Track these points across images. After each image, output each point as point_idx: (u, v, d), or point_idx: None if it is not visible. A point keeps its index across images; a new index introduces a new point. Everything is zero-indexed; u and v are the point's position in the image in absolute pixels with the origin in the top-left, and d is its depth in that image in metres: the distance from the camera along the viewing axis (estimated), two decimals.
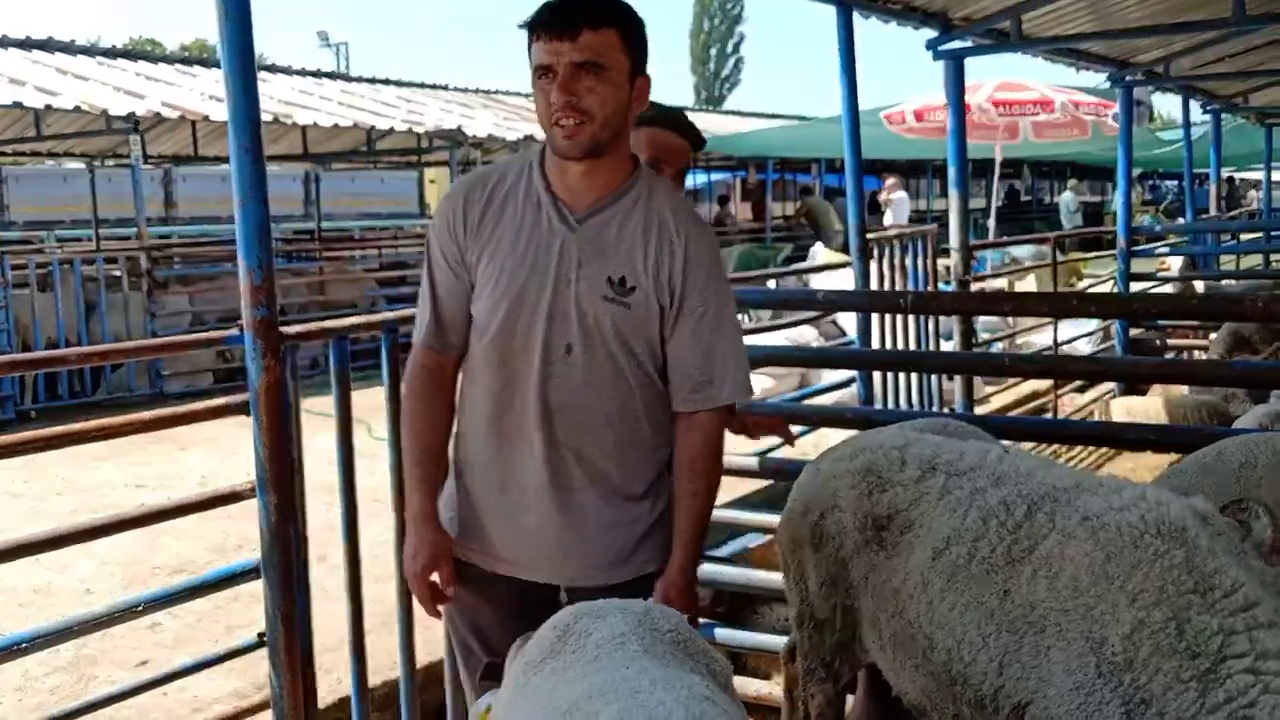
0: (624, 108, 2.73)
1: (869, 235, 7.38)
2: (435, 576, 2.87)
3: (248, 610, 5.11)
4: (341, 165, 21.03)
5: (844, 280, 7.68)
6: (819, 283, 12.28)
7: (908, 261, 8.43)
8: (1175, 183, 38.54)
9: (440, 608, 2.95)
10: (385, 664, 4.41)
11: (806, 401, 7.92)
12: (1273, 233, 15.25)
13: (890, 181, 22.21)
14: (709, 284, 2.86)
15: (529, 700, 1.97)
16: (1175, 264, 15.19)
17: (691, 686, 1.77)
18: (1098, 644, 2.52)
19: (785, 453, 5.43)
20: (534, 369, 2.79)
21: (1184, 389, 9.67)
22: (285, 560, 3.29)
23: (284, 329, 3.30)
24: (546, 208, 2.79)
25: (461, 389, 2.96)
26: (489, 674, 2.59)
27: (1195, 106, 14.83)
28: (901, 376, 8.09)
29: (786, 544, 3.46)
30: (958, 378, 7.60)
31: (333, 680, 4.37)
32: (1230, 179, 32.16)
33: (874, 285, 7.48)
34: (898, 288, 8.06)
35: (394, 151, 19.02)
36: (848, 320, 10.35)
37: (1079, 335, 12.24)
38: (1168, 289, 12.98)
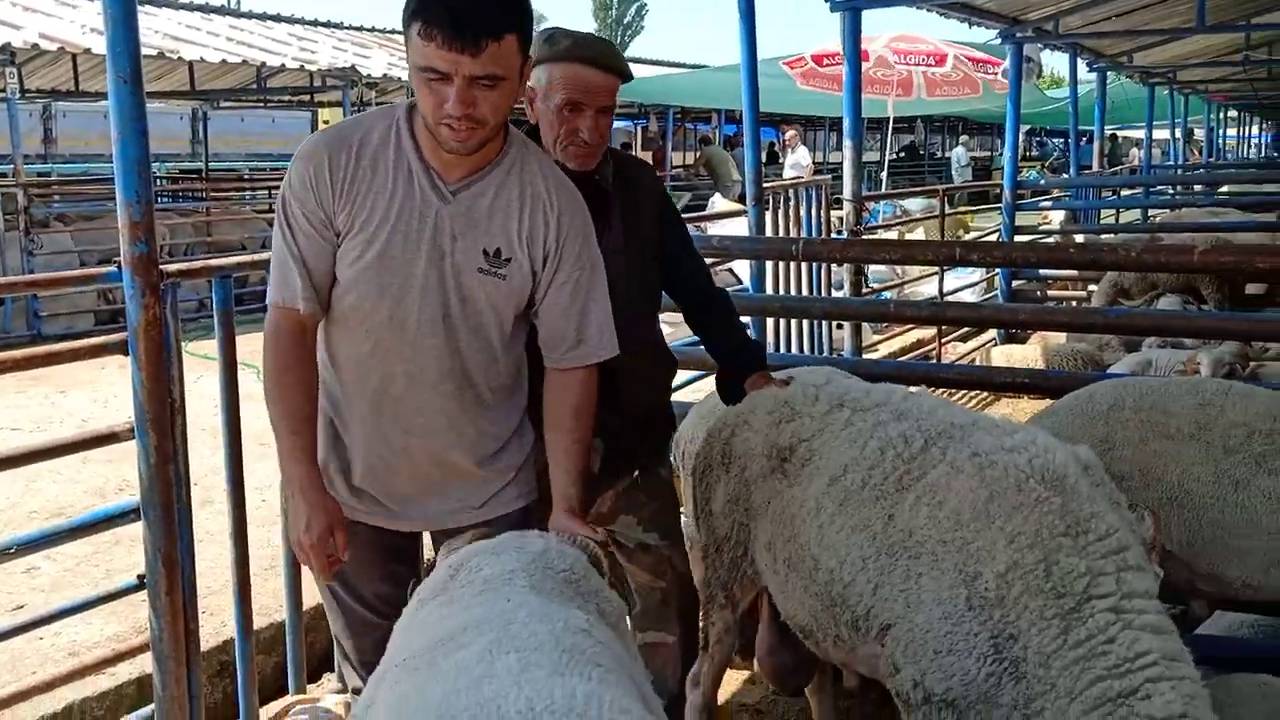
0: (513, 100, 2.71)
1: (765, 185, 7.45)
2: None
3: (129, 555, 5.02)
4: (230, 104, 20.36)
5: (740, 229, 7.74)
6: (715, 231, 12.32)
7: (802, 212, 8.56)
8: (1061, 139, 39.60)
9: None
10: (271, 606, 4.38)
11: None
12: (1151, 189, 15.83)
13: (790, 134, 22.36)
14: (583, 252, 2.90)
15: (411, 635, 1.98)
16: (1057, 218, 15.70)
17: (569, 620, 1.79)
18: (971, 578, 2.63)
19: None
20: (405, 338, 2.78)
21: (1061, 338, 10.06)
22: (166, 501, 3.22)
23: (164, 266, 3.22)
24: (418, 176, 2.74)
25: (325, 349, 2.91)
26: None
27: (1082, 64, 15.24)
28: (793, 323, 8.25)
29: (699, 470, 3.57)
30: (847, 325, 7.75)
31: (216, 624, 4.32)
32: (1113, 136, 33.18)
33: (769, 234, 7.57)
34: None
35: (285, 90, 18.50)
36: (743, 268, 10.47)
37: (964, 286, 12.60)
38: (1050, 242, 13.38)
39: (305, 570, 3.69)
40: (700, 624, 3.66)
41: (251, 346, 3.79)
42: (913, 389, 3.40)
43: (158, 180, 23.17)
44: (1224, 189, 15.93)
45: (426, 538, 3.19)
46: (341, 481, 2.93)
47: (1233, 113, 29.60)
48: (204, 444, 3.55)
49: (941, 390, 9.37)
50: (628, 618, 2.33)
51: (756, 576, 3.40)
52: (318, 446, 2.88)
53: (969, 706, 2.64)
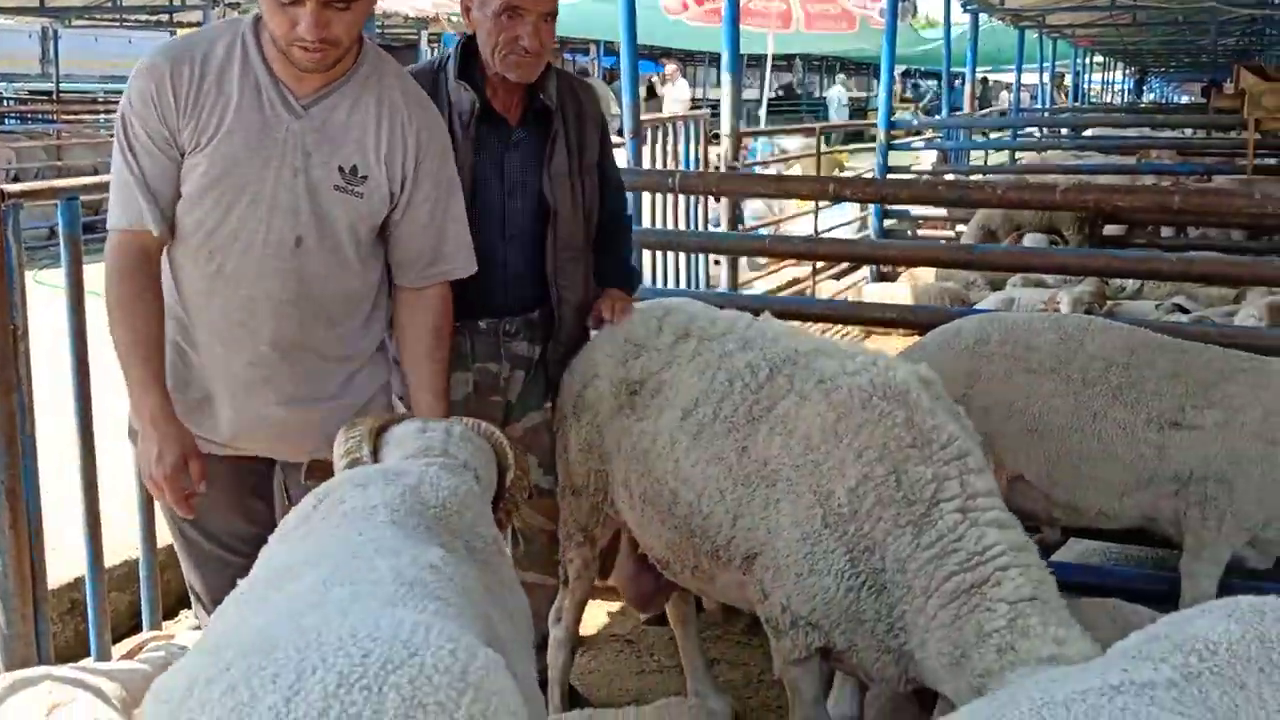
0: (367, 15, 2.62)
1: (643, 118, 7.36)
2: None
3: None
4: (83, 22, 19.16)
5: (618, 162, 7.66)
6: None
7: (680, 147, 8.51)
8: (934, 82, 40.33)
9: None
10: (128, 542, 4.20)
11: None
12: (1019, 131, 16.23)
13: (670, 68, 22.26)
14: (441, 170, 2.81)
15: (262, 566, 1.91)
16: (928, 159, 16.00)
17: (419, 557, 1.73)
18: (825, 497, 2.71)
19: None
20: (251, 259, 2.65)
21: (931, 277, 10.29)
22: (9, 433, 3.05)
23: (5, 186, 3.06)
24: (267, 90, 2.60)
25: (169, 273, 2.76)
26: (313, 473, 2.50)
27: (956, 5, 15.47)
28: (670, 258, 8.23)
29: (558, 417, 3.55)
30: (724, 261, 7.77)
31: (66, 560, 4.12)
32: (985, 79, 33.97)
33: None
34: None
35: (142, 9, 17.40)
36: None
37: (838, 225, 12.78)
38: None
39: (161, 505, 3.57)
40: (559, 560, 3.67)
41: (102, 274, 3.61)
42: (759, 316, 3.40)
43: (3, 101, 21.88)
44: (1088, 132, 16.43)
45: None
46: (191, 411, 2.79)
47: (1099, 58, 30.53)
48: (51, 373, 3.35)
49: (815, 325, 9.63)
50: (507, 552, 2.29)
51: (616, 515, 3.41)
52: (166, 375, 2.73)
53: (833, 626, 2.73)
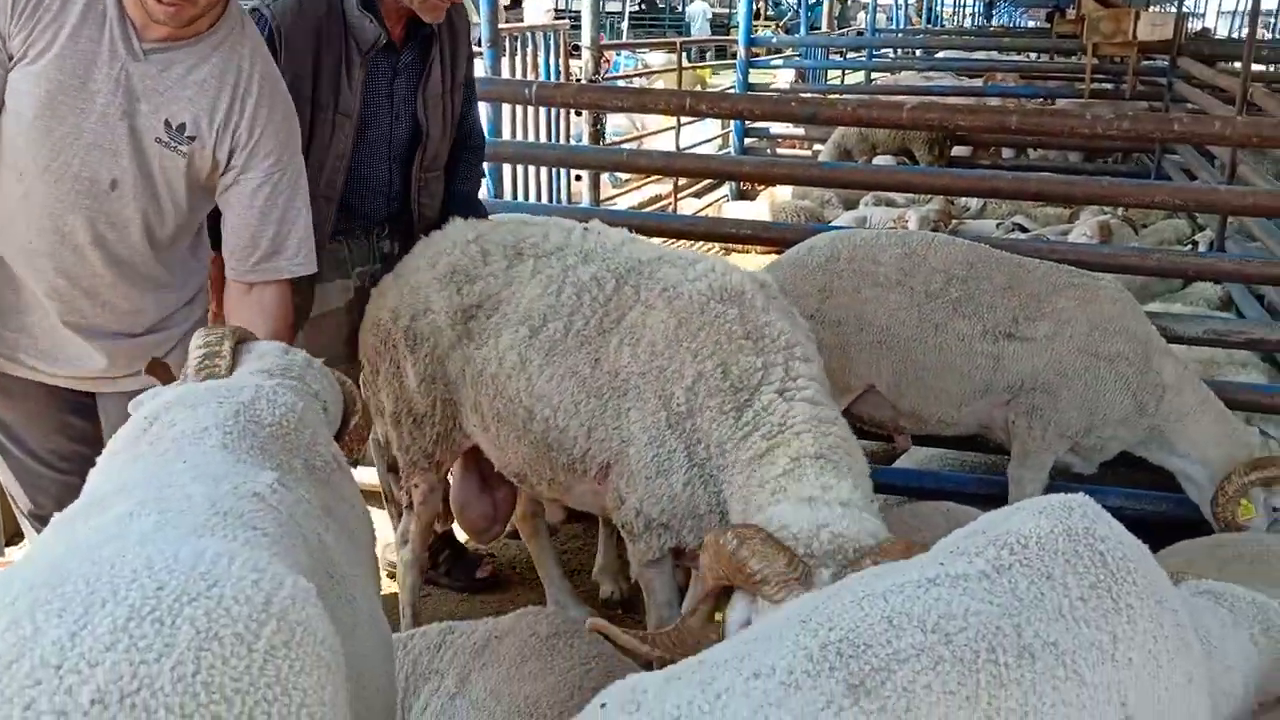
0: None
1: (501, 27, 7.20)
2: None
3: None
4: None
5: (475, 73, 7.49)
6: None
7: (540, 58, 8.37)
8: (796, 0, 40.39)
9: None
10: None
11: None
12: (875, 51, 16.47)
13: None
14: (284, 154, 2.69)
15: (85, 493, 1.83)
16: (786, 77, 16.14)
17: (242, 484, 1.65)
18: (667, 399, 2.79)
19: None
20: (59, 192, 2.52)
21: (788, 195, 10.48)
22: None
23: None
24: (112, 25, 2.46)
25: None
26: (154, 370, 2.38)
27: None
28: (531, 173, 8.14)
29: (374, 347, 3.47)
30: (585, 177, 7.73)
31: None
32: None
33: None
34: None
35: None
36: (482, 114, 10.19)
37: (700, 142, 12.84)
38: None
39: None
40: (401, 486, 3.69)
41: None
42: (589, 223, 3.41)
43: None
44: (940, 54, 16.78)
45: None
46: (7, 322, 2.69)
47: None
48: None
49: (675, 241, 9.71)
50: (349, 468, 2.26)
51: (465, 440, 3.41)
52: None
53: (680, 523, 2.83)
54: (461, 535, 4.43)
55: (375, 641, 1.77)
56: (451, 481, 3.72)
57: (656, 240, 9.66)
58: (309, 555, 1.61)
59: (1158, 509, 4.30)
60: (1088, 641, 1.58)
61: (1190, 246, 7.70)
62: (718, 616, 2.24)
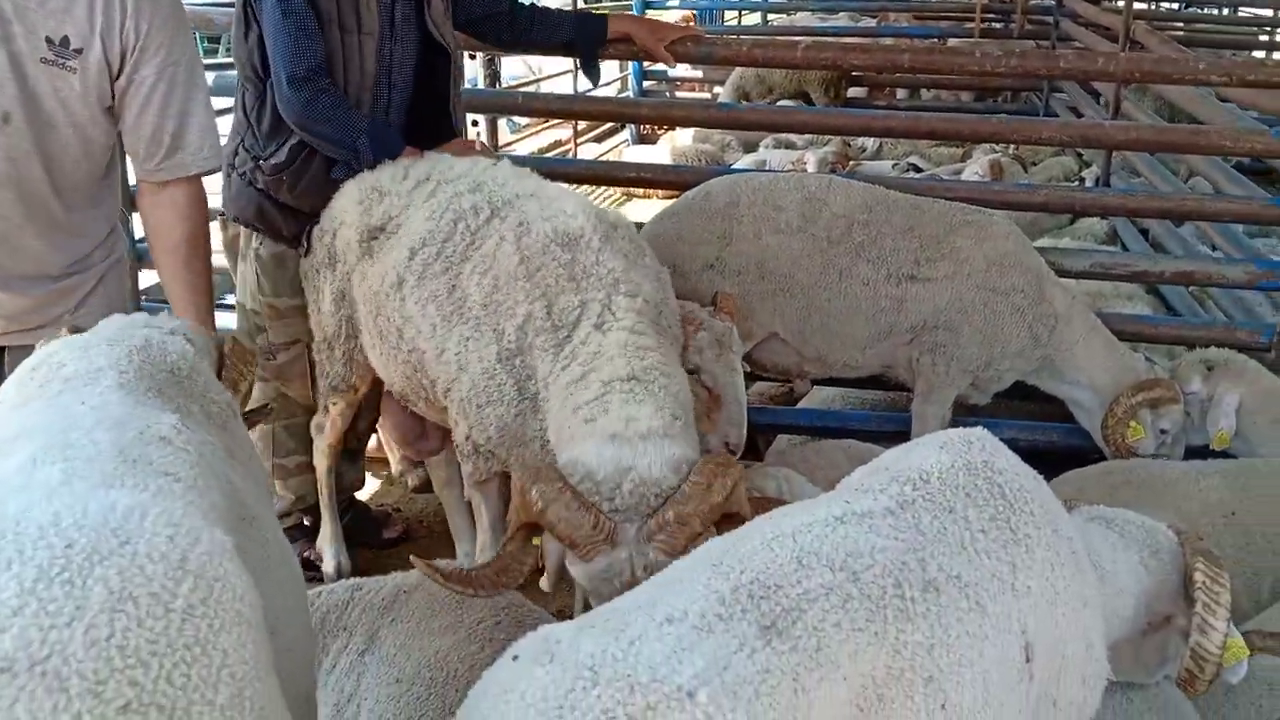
0: None
1: None
2: None
3: None
4: None
5: None
6: None
7: None
8: None
9: None
10: None
11: None
12: None
13: None
14: (175, 47, 2.60)
15: None
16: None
17: (148, 429, 1.58)
18: (500, 334, 2.83)
19: None
20: None
21: (689, 139, 10.45)
22: None
23: None
24: None
25: None
26: None
27: None
28: None
29: (308, 272, 3.51)
30: (482, 121, 7.57)
31: None
32: None
33: None
34: None
35: None
36: None
37: (598, 86, 12.69)
38: None
39: None
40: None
41: None
42: (500, 159, 3.46)
43: None
44: None
45: None
46: None
47: None
48: None
49: (575, 186, 9.65)
50: (238, 415, 2.20)
51: (365, 360, 3.44)
52: None
53: (507, 451, 2.90)
54: (370, 489, 4.39)
55: (290, 583, 1.73)
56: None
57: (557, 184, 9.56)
58: (224, 498, 1.56)
59: (1049, 439, 4.44)
60: (989, 573, 1.63)
61: (1077, 183, 7.91)
62: (536, 541, 2.29)
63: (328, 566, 3.85)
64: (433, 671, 2.48)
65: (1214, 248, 5.67)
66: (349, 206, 3.32)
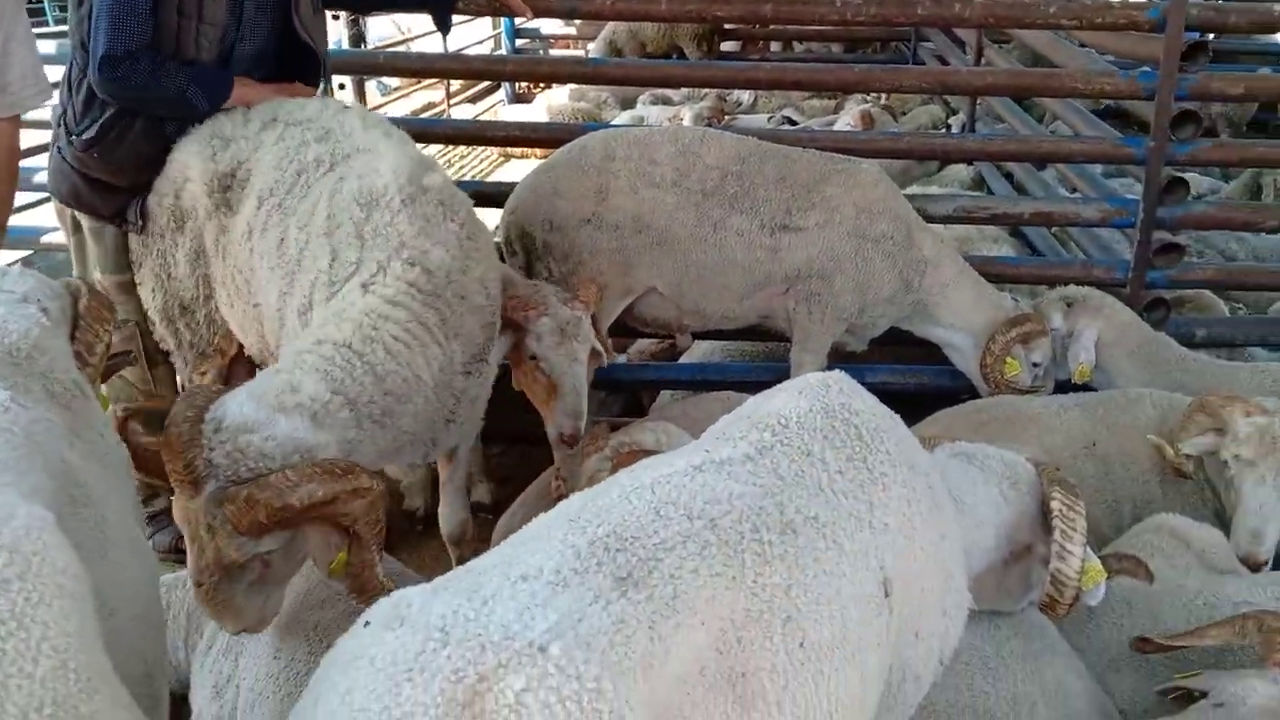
0: None
1: None
2: None
3: None
4: None
5: None
6: None
7: None
8: None
9: None
10: None
11: None
12: None
13: None
14: None
15: None
16: None
17: None
18: (303, 288, 2.79)
19: None
20: None
21: (564, 97, 10.36)
22: None
23: None
24: None
25: None
26: None
27: None
28: None
29: (147, 244, 3.37)
30: (349, 84, 7.38)
31: None
32: None
33: None
34: None
35: None
36: None
37: (469, 45, 12.52)
38: None
39: None
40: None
41: None
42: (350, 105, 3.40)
43: None
44: None
45: None
46: None
47: None
48: None
49: (447, 146, 9.49)
50: (91, 393, 2.12)
51: (223, 319, 3.34)
52: None
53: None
54: None
55: (132, 565, 1.68)
56: None
57: (433, 148, 9.42)
58: (49, 478, 1.53)
59: (920, 381, 4.56)
60: (846, 512, 1.66)
61: (944, 130, 8.08)
62: None
63: None
64: (312, 645, 2.44)
65: (1074, 190, 5.86)
66: (191, 161, 3.19)
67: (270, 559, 2.23)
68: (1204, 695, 2.22)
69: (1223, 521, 3.32)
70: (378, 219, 2.71)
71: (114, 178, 3.34)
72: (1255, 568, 3.10)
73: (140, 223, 3.36)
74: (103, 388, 2.78)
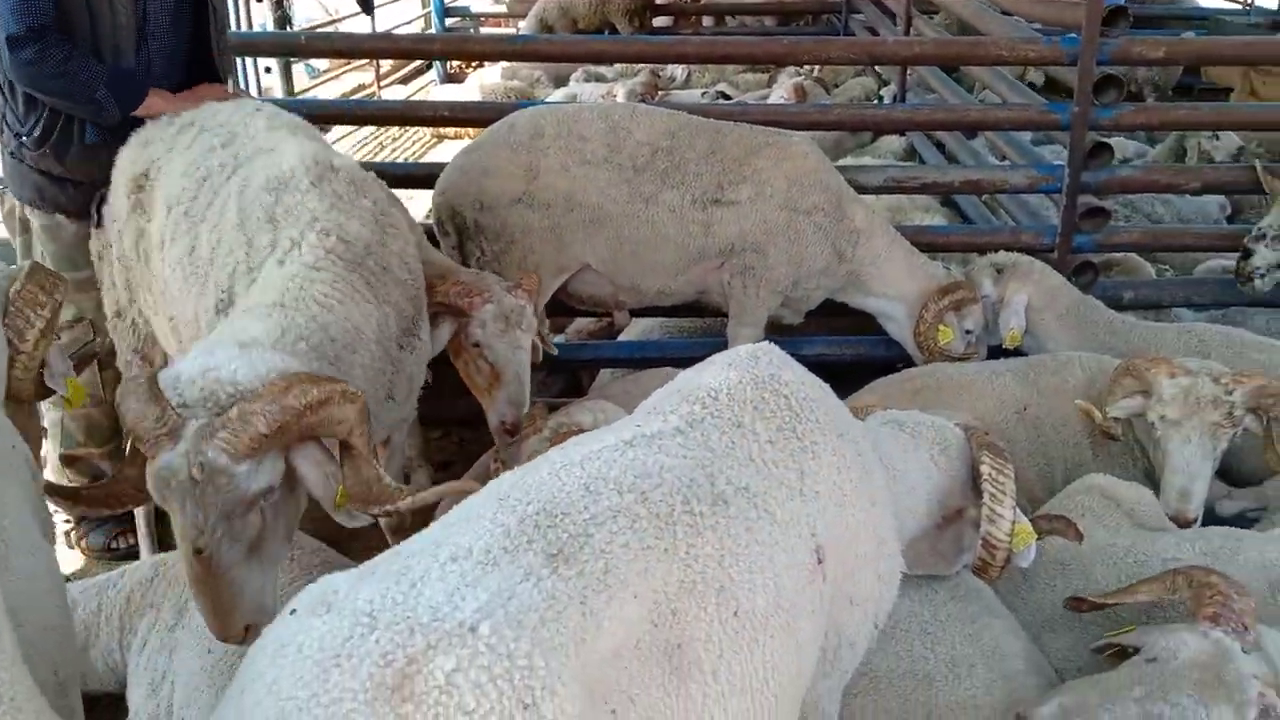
0: None
1: None
2: None
3: None
4: None
5: None
6: None
7: None
8: None
9: None
10: None
11: None
12: None
13: None
14: None
15: None
16: None
17: None
18: (219, 286, 2.74)
19: None
20: None
21: (497, 76, 10.26)
22: None
23: None
24: None
25: None
26: None
27: None
28: None
29: (95, 244, 3.33)
30: (275, 67, 7.26)
31: None
32: None
33: None
34: None
35: None
36: None
37: (398, 25, 12.36)
38: None
39: None
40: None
41: None
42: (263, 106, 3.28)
43: None
44: None
45: None
46: None
47: None
48: None
49: (378, 128, 9.36)
50: None
51: (147, 325, 3.28)
52: None
53: None
54: None
55: (39, 574, 1.63)
56: None
57: (363, 131, 9.28)
58: None
59: (856, 351, 4.59)
60: (777, 481, 1.66)
61: (876, 101, 8.13)
62: None
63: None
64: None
65: (1004, 159, 5.93)
66: (120, 160, 3.14)
67: (267, 508, 2.10)
68: (1137, 651, 2.27)
69: (1152, 480, 3.39)
70: (288, 200, 2.66)
71: (73, 173, 3.31)
72: (1185, 525, 3.17)
73: (98, 218, 3.30)
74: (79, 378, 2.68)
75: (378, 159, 8.20)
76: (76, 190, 3.33)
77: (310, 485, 2.13)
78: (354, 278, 2.57)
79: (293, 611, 1.33)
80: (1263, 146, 6.81)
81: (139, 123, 3.22)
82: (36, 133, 3.24)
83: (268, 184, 2.71)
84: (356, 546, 3.79)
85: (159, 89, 3.27)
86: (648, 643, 1.41)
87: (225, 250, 2.69)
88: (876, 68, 8.66)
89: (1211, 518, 3.43)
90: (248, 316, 2.34)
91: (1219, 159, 6.62)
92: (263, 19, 8.51)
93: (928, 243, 4.55)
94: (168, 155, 3.02)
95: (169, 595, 2.62)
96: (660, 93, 8.71)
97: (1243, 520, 3.46)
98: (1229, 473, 3.62)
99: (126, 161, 3.11)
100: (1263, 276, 4.29)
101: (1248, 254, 4.31)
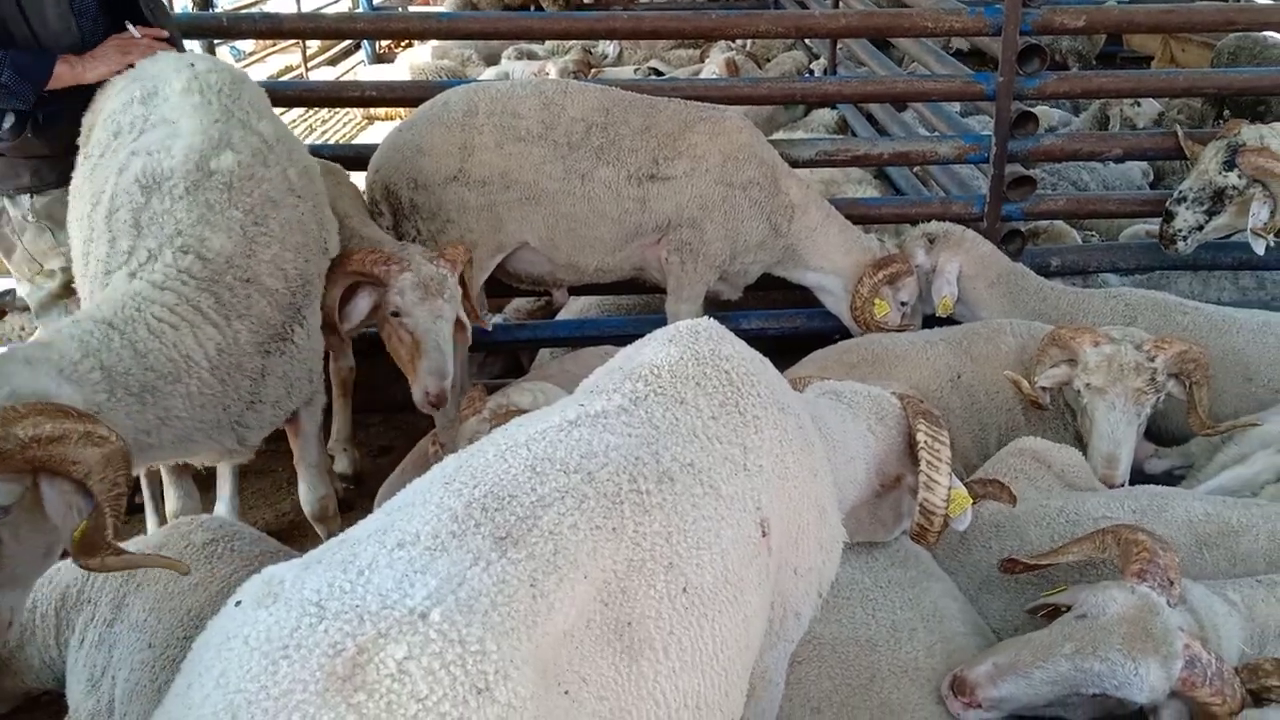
0: None
1: None
2: None
3: None
4: None
5: None
6: None
7: None
8: None
9: None
10: None
11: None
12: None
13: None
14: None
15: None
16: None
17: None
18: (88, 278, 2.75)
19: None
20: None
21: (427, 55, 10.14)
22: None
23: None
24: None
25: None
26: None
27: None
28: None
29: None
30: (198, 49, 7.07)
31: None
32: None
33: None
34: None
35: None
36: None
37: (325, 5, 12.14)
38: None
39: None
40: None
41: None
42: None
43: None
44: None
45: None
46: None
47: None
48: None
49: (309, 110, 9.18)
50: None
51: None
52: None
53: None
54: None
55: None
56: None
57: (293, 111, 9.09)
58: None
59: (794, 325, 4.64)
60: (721, 457, 1.68)
61: (807, 75, 8.16)
62: None
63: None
64: (186, 631, 2.38)
65: (933, 130, 5.99)
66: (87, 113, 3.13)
67: (5, 527, 2.07)
68: (1070, 609, 2.34)
69: (1083, 443, 3.48)
70: (156, 206, 2.66)
71: (54, 149, 3.22)
72: (1112, 488, 3.26)
73: None
74: None
75: (307, 142, 8.06)
76: (65, 164, 3.21)
77: (51, 514, 2.10)
78: (203, 298, 2.58)
79: (238, 603, 1.31)
80: (1182, 113, 6.98)
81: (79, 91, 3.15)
82: (10, 120, 3.16)
83: (142, 178, 2.70)
84: (297, 535, 3.79)
85: (66, 55, 3.15)
86: (599, 622, 1.42)
87: (95, 240, 2.71)
88: (807, 42, 8.69)
89: (1140, 476, 3.54)
90: (70, 327, 2.38)
91: (1141, 125, 6.77)
92: (184, 1, 8.29)
93: (860, 214, 4.59)
94: (104, 100, 3.01)
95: (106, 589, 2.57)
96: (593, 70, 8.65)
97: (1170, 478, 3.56)
98: (1157, 432, 3.73)
99: (88, 121, 3.09)
100: (1185, 239, 4.39)
101: (1170, 217, 4.41)
